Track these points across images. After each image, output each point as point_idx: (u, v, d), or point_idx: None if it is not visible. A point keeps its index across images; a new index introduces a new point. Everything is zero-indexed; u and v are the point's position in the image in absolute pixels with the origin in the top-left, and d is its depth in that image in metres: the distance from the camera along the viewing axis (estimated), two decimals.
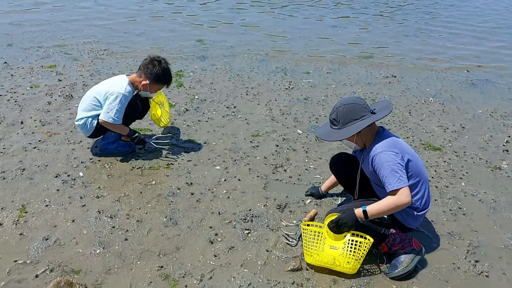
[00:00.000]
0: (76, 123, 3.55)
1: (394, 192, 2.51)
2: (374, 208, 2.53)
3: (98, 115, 3.43)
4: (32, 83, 5.00)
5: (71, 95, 4.71)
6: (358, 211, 2.55)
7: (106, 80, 3.63)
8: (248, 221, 3.02)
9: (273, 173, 3.62)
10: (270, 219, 3.05)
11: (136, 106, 3.55)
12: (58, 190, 3.19)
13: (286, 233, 2.90)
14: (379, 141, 2.64)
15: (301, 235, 2.84)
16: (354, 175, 2.91)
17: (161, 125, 3.99)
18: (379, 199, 2.75)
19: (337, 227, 2.59)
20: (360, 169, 2.85)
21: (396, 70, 6.27)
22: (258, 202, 3.23)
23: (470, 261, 2.80)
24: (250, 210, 3.13)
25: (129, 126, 3.68)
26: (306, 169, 3.69)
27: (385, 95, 5.36)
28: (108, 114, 3.37)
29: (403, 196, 2.50)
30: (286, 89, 5.36)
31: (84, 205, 3.05)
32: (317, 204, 3.25)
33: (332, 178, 3.25)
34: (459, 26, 8.86)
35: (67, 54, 6.03)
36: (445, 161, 3.97)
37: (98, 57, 6.00)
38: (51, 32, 6.96)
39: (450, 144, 4.29)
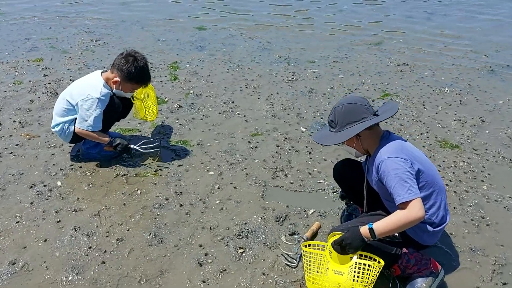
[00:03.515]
0: (53, 130, 3.22)
1: (404, 205, 2.15)
2: (382, 225, 2.17)
3: (74, 119, 3.09)
4: (15, 79, 4.67)
5: (56, 92, 4.37)
6: (364, 230, 2.19)
7: (80, 79, 3.27)
8: (242, 237, 2.67)
9: (273, 178, 3.26)
10: (267, 235, 2.70)
11: (115, 106, 3.18)
12: (31, 203, 2.87)
13: (285, 253, 2.55)
14: (384, 146, 2.28)
15: (302, 255, 2.51)
16: (361, 184, 2.55)
17: (149, 120, 3.67)
18: (385, 210, 2.40)
19: (341, 248, 2.24)
20: (366, 180, 2.49)
21: (408, 57, 5.81)
22: (255, 213, 2.88)
23: (496, 284, 2.43)
24: (245, 223, 2.78)
25: (113, 128, 3.34)
26: (309, 173, 3.33)
27: (396, 86, 4.93)
28: (86, 122, 3.02)
29: (415, 210, 2.12)
30: (289, 80, 4.95)
31: (59, 221, 2.73)
32: (321, 215, 2.89)
33: None
34: (475, 9, 8.28)
35: (55, 46, 5.67)
36: (464, 161, 3.57)
37: (89, 49, 5.64)
38: (40, 22, 6.60)
39: (469, 141, 3.88)
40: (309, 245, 2.38)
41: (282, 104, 4.38)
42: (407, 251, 2.37)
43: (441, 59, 5.76)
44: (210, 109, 4.24)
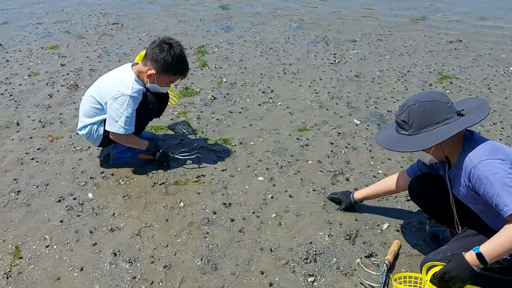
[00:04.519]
0: (80, 132, 2.80)
1: None
2: (493, 246, 1.72)
3: (104, 120, 2.67)
4: (30, 69, 4.24)
5: (76, 84, 3.94)
6: (471, 256, 1.74)
7: (107, 74, 2.82)
8: (310, 261, 2.26)
9: (333, 184, 2.82)
10: (339, 257, 2.28)
11: (148, 104, 2.73)
12: (61, 221, 2.48)
13: (367, 283, 2.13)
14: (472, 150, 1.82)
15: (385, 283, 2.10)
16: (446, 201, 2.09)
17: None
18: (487, 227, 1.95)
19: (443, 282, 1.81)
20: (452, 194, 2.04)
21: (459, 32, 5.22)
22: (320, 230, 2.46)
23: None
24: (311, 243, 2.36)
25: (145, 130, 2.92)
26: (374, 176, 2.88)
27: (453, 66, 4.39)
28: (117, 123, 2.59)
29: None
30: (331, 63, 4.44)
31: (96, 243, 2.34)
32: (398, 231, 2.45)
33: (375, 186, 2.49)
34: None
35: (70, 31, 5.20)
36: None
37: (106, 33, 5.16)
38: (52, 4, 6.12)
39: None
40: (400, 278, 1.96)
41: (328, 92, 3.90)
42: None
43: (495, 34, 5.18)
44: (248, 100, 3.78)
